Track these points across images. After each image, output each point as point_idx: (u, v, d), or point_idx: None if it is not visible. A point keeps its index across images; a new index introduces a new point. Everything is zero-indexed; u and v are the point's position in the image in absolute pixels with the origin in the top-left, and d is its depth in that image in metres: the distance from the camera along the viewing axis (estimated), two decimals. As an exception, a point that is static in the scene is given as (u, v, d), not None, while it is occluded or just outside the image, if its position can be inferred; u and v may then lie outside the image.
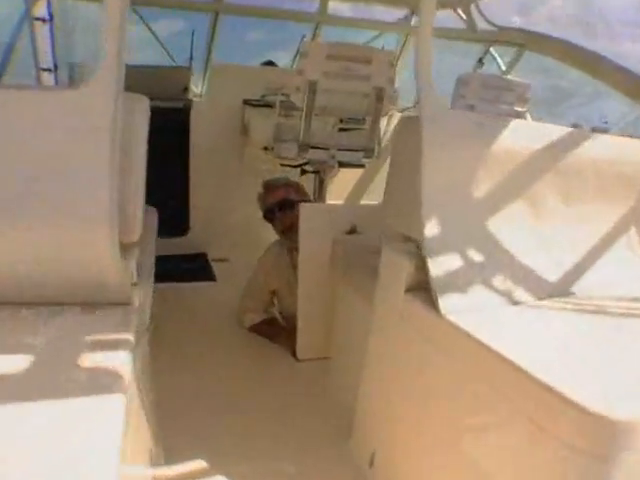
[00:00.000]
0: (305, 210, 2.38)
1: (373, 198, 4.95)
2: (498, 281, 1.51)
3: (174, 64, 4.72)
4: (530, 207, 1.59)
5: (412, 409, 1.60)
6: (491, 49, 4.75)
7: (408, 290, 1.54)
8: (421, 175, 1.37)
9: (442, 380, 1.44)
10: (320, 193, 3.45)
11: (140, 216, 1.37)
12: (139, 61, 4.33)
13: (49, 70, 4.38)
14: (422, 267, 1.46)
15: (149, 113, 1.47)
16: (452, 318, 1.37)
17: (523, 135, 1.61)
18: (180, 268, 4.06)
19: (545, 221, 1.64)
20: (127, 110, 1.30)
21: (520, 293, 1.54)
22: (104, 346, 1.15)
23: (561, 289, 1.64)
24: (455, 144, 1.45)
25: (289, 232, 2.67)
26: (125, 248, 1.31)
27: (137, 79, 3.91)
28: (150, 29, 4.52)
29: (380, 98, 3.00)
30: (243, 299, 2.96)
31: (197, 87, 4.59)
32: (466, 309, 1.42)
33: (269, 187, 2.89)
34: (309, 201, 2.87)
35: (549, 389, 1.07)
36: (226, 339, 2.86)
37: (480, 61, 4.87)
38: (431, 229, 1.41)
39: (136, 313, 1.33)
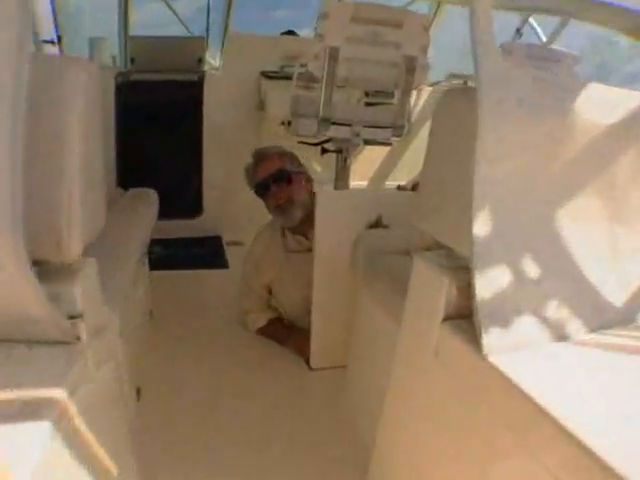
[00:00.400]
0: (323, 197, 2.03)
1: (399, 178, 4.65)
2: (552, 307, 1.15)
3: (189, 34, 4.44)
4: (607, 202, 1.21)
5: (442, 457, 1.27)
6: (530, 18, 4.35)
7: (446, 319, 1.20)
8: (475, 160, 1.00)
9: (480, 430, 1.12)
10: (343, 174, 3.09)
11: (79, 225, 0.98)
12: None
13: (52, 42, 4.12)
14: (465, 289, 1.13)
15: (98, 83, 1.10)
16: (496, 360, 1.04)
17: (603, 105, 1.20)
18: (191, 253, 3.81)
19: (625, 222, 1.25)
20: (56, 78, 0.94)
21: (578, 322, 1.18)
22: (11, 416, 0.80)
23: (629, 314, 1.29)
24: (522, 119, 1.07)
25: (285, 208, 2.34)
26: (59, 270, 0.99)
27: (148, 50, 3.68)
28: (168, 4, 4.25)
29: (411, 69, 2.62)
30: (240, 299, 2.62)
31: (215, 60, 4.29)
32: (513, 346, 1.09)
33: (261, 157, 2.45)
34: (305, 172, 2.47)
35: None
36: (231, 339, 2.55)
37: (518, 32, 4.46)
38: (482, 234, 1.05)
39: (81, 353, 1.00)
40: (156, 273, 3.09)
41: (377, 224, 2.02)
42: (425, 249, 1.65)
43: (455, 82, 4.39)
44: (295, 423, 1.98)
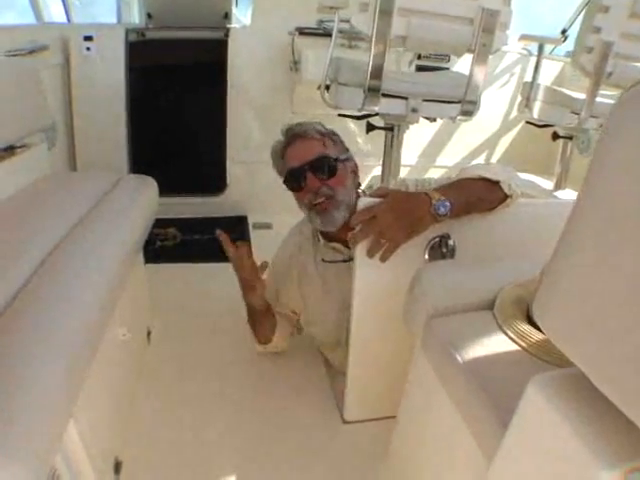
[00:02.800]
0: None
1: (448, 156, 4.09)
2: None
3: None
4: None
5: None
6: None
7: None
8: None
9: None
10: (393, 155, 2.52)
11: None
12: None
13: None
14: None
15: None
16: None
17: None
18: (210, 239, 3.33)
19: None
20: None
21: None
22: None
23: None
24: None
25: (324, 208, 1.70)
26: None
27: (167, 4, 3.16)
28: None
29: (491, 27, 1.99)
30: None
31: (246, 17, 3.79)
32: None
33: (296, 136, 1.79)
34: (351, 159, 1.84)
35: None
36: (247, 377, 2.01)
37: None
38: None
39: None
40: (164, 268, 2.64)
41: (441, 245, 1.46)
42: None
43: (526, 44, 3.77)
44: None
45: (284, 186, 1.81)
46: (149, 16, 3.43)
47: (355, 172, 1.83)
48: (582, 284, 0.63)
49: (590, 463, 0.60)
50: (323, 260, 1.85)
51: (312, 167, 1.70)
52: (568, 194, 3.19)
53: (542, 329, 0.69)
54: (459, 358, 1.01)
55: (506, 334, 1.05)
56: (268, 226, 3.57)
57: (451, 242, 1.46)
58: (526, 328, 1.04)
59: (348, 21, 2.34)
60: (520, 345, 1.02)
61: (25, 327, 1.02)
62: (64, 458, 1.13)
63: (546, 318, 0.69)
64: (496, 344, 1.03)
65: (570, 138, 3.12)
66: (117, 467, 1.44)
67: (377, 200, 1.39)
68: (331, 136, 1.81)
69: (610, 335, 0.57)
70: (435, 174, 3.99)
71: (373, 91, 2.08)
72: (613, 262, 0.58)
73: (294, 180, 1.73)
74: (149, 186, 2.02)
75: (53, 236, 1.42)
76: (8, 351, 0.95)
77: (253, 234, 3.45)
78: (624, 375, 0.56)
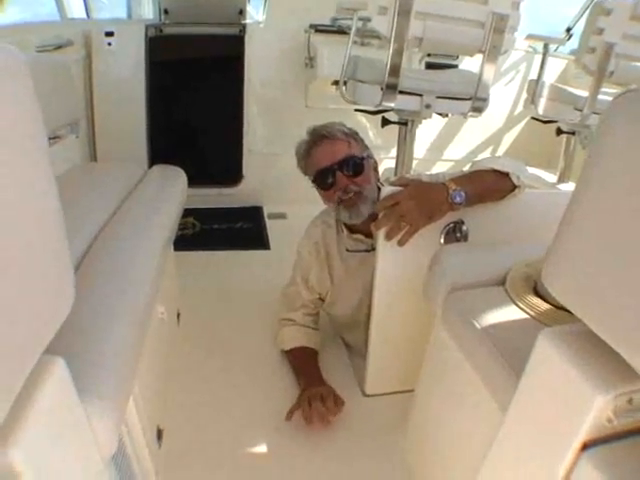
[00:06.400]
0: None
1: (455, 150, 4.21)
2: None
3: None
4: None
5: None
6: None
7: (587, 444, 0.80)
8: None
9: None
10: (406, 149, 2.66)
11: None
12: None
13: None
14: (624, 406, 0.76)
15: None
16: None
17: None
18: (228, 227, 3.48)
19: None
20: None
21: None
22: None
23: None
24: None
25: (352, 204, 1.81)
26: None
27: (183, 1, 3.27)
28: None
29: (500, 29, 2.14)
30: (281, 306, 2.19)
31: (258, 14, 3.88)
32: None
33: (322, 137, 1.88)
34: (372, 157, 1.94)
35: None
36: (272, 352, 2.14)
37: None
38: None
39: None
40: (186, 255, 2.77)
41: (456, 230, 1.61)
42: (530, 287, 1.25)
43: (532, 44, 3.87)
44: (348, 454, 1.68)
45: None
46: (166, 12, 3.52)
47: (375, 168, 1.96)
48: (584, 253, 0.78)
49: (589, 391, 0.76)
50: (347, 250, 1.99)
51: (341, 167, 1.81)
52: (571, 187, 3.32)
53: (551, 292, 0.85)
54: (477, 325, 1.17)
55: (517, 305, 1.21)
56: (283, 216, 3.69)
57: (464, 227, 1.61)
58: (534, 300, 1.19)
59: (363, 20, 2.48)
60: (529, 314, 1.17)
61: (91, 306, 1.10)
62: (126, 425, 1.27)
63: (555, 282, 0.84)
64: (509, 314, 1.19)
65: (573, 133, 3.25)
66: (159, 434, 1.58)
67: (399, 188, 1.54)
68: (354, 136, 1.93)
69: (608, 291, 0.72)
70: (443, 167, 4.12)
71: (390, 88, 2.22)
72: (609, 234, 0.73)
73: (324, 179, 1.84)
74: (179, 176, 2.16)
75: (97, 221, 1.55)
76: (87, 326, 1.04)
77: (268, 224, 3.58)
78: (619, 321, 0.71)
